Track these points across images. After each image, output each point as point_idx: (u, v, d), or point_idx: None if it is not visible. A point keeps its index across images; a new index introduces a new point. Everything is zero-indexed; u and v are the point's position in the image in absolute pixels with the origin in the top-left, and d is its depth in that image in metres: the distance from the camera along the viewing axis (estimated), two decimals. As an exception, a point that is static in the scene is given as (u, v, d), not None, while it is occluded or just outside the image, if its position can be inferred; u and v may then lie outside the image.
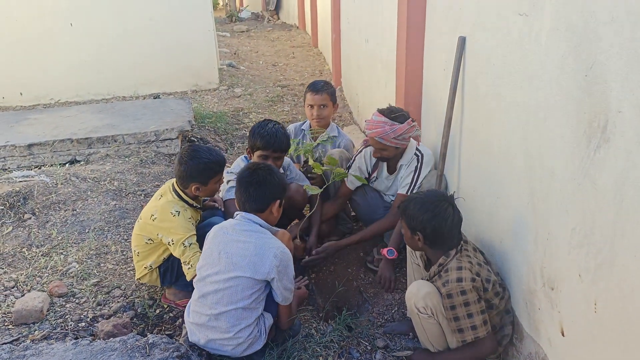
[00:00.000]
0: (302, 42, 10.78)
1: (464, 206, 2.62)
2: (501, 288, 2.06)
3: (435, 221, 1.99)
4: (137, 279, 2.62)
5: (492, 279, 2.01)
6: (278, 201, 2.18)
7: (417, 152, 2.80)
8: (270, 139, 2.65)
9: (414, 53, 3.19)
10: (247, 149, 2.82)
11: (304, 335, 2.38)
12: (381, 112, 2.69)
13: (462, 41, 2.47)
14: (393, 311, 2.65)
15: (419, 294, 2.05)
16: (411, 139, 2.79)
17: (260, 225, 2.13)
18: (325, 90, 3.21)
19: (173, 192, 2.49)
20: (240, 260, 2.05)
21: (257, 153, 2.70)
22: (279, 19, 14.53)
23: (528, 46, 1.86)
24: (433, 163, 2.83)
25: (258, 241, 2.07)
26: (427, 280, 2.11)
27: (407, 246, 2.38)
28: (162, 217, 2.40)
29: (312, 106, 3.22)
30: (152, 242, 2.48)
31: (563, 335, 1.72)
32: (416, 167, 2.77)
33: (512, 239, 2.10)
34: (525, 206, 1.94)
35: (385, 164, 2.93)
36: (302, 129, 3.38)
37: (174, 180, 2.55)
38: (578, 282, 1.61)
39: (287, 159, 2.96)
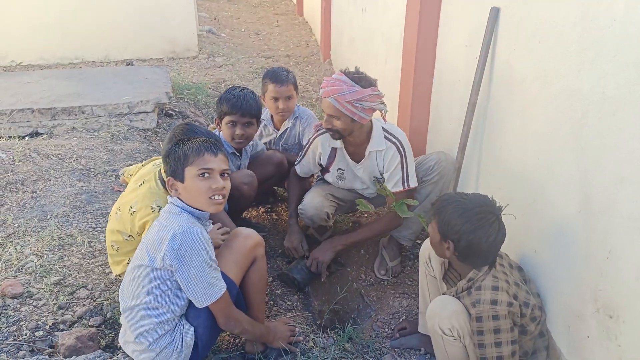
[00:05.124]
0: (286, 10, 10.22)
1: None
2: (540, 311, 1.76)
3: (475, 235, 1.65)
4: (118, 275, 2.22)
5: (530, 303, 1.71)
6: (170, 178, 1.74)
7: (389, 136, 2.36)
8: (237, 101, 2.50)
9: (427, 25, 2.82)
10: (215, 119, 2.66)
11: (300, 350, 2.07)
12: (343, 71, 2.27)
13: (495, 13, 2.12)
14: (400, 320, 2.36)
15: (443, 312, 1.74)
16: (373, 118, 2.33)
17: (182, 209, 1.71)
18: (289, 80, 2.82)
19: (159, 181, 2.02)
20: (143, 244, 1.70)
21: (225, 120, 2.54)
22: (261, -17, 13.79)
23: (593, 21, 1.52)
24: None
25: (163, 222, 1.69)
26: (453, 296, 1.80)
27: (421, 253, 2.07)
28: (141, 211, 1.96)
29: (276, 99, 2.82)
30: (132, 238, 2.04)
31: (623, 373, 1.45)
32: (401, 155, 2.34)
33: (551, 251, 1.80)
34: (575, 216, 1.64)
35: (345, 153, 2.45)
36: (262, 119, 2.93)
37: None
38: (651, 315, 1.33)
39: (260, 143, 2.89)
